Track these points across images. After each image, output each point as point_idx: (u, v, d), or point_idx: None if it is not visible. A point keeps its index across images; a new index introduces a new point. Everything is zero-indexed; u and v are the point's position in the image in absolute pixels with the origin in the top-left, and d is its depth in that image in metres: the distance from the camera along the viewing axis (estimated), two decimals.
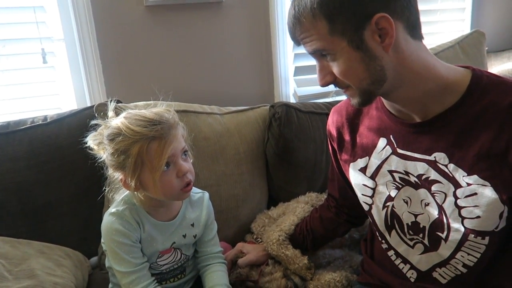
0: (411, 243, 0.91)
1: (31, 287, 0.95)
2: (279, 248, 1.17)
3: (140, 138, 0.87)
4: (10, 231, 1.17)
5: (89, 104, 1.48)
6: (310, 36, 0.78)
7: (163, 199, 0.95)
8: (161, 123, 0.89)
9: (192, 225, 1.03)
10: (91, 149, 0.95)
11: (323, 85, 0.83)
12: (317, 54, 0.81)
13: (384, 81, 0.78)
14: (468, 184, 0.78)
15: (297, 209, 1.28)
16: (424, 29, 0.81)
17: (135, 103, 1.32)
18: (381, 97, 0.89)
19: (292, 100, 1.82)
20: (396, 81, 0.79)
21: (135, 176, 0.89)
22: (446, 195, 0.82)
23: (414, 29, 0.78)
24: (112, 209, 0.96)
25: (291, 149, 1.41)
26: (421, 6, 0.81)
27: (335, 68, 0.79)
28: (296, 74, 1.78)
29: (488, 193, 0.76)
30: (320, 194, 1.40)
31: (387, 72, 0.77)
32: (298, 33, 0.80)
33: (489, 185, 0.76)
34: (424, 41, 0.82)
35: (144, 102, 1.31)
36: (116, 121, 0.92)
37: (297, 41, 0.82)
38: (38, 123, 1.26)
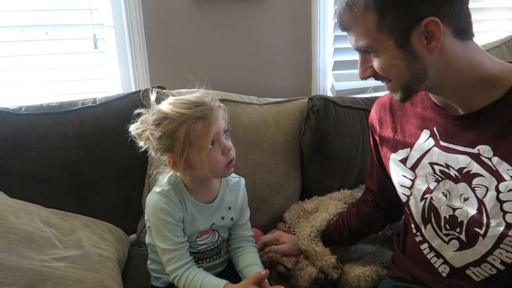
0: (446, 239, 0.91)
1: (78, 256, 1.02)
2: (309, 244, 1.19)
3: (187, 119, 0.92)
4: (59, 204, 1.25)
5: (133, 89, 1.54)
6: (356, 28, 0.80)
7: (209, 176, 1.00)
8: (204, 105, 0.95)
9: (229, 208, 1.08)
10: (135, 138, 1.01)
11: (363, 78, 0.86)
12: (361, 49, 0.83)
13: (424, 79, 0.79)
14: None
15: (330, 206, 1.30)
16: None
17: (178, 90, 1.37)
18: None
19: (329, 94, 1.82)
20: (438, 79, 0.80)
21: (184, 157, 0.94)
22: (487, 189, 0.82)
23: (463, 32, 0.78)
24: (158, 189, 1.01)
25: (327, 142, 1.42)
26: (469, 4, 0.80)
27: (377, 64, 0.81)
28: (335, 69, 1.78)
29: None
30: (353, 191, 1.41)
31: (428, 71, 0.79)
32: (346, 20, 0.81)
33: None
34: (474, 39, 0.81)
35: (187, 90, 1.36)
36: (161, 107, 0.97)
37: (343, 28, 0.84)
38: (88, 105, 1.33)
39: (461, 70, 0.79)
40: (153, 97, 1.03)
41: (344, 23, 0.82)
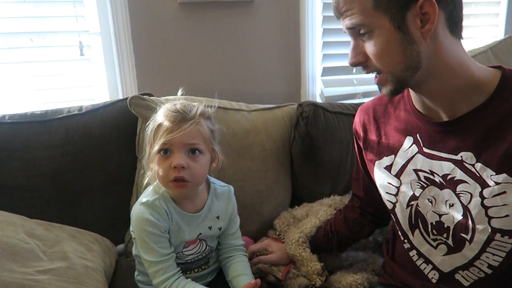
0: (434, 244, 0.91)
1: (63, 268, 0.99)
2: (296, 249, 1.18)
3: (156, 119, 0.96)
4: (44, 214, 1.22)
5: (121, 97, 1.52)
6: (352, 9, 0.79)
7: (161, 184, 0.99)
8: (179, 113, 0.94)
9: (218, 217, 1.06)
10: None
11: (353, 64, 0.83)
12: (355, 30, 0.81)
13: (418, 69, 0.79)
14: (497, 183, 0.78)
15: (320, 212, 1.28)
16: None
17: (166, 97, 1.35)
18: (411, 93, 0.90)
19: (319, 100, 1.82)
20: (429, 72, 0.79)
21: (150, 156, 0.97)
22: (471, 196, 0.81)
23: (454, 25, 0.79)
24: (143, 199, 0.99)
25: (317, 148, 1.42)
26: None
27: (371, 48, 0.79)
28: (324, 75, 1.78)
29: None
30: (344, 197, 1.40)
31: (422, 60, 0.78)
32: (342, 4, 0.80)
33: None
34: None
35: (174, 97, 1.35)
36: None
37: (339, 14, 0.82)
38: (74, 113, 1.31)
39: (450, 65, 0.79)
40: (180, 92, 1.07)
41: (340, 6, 0.81)
